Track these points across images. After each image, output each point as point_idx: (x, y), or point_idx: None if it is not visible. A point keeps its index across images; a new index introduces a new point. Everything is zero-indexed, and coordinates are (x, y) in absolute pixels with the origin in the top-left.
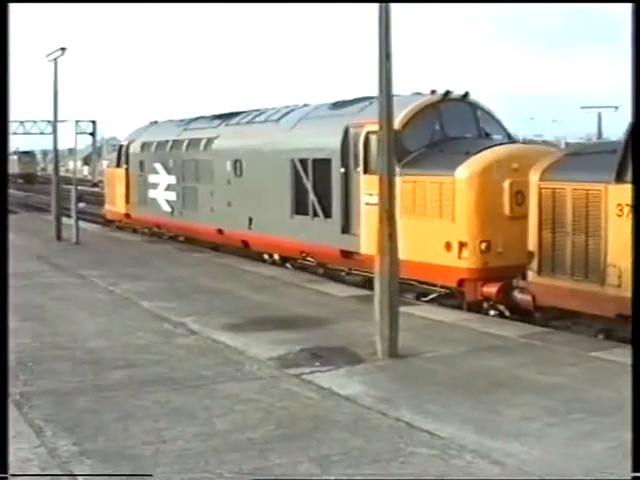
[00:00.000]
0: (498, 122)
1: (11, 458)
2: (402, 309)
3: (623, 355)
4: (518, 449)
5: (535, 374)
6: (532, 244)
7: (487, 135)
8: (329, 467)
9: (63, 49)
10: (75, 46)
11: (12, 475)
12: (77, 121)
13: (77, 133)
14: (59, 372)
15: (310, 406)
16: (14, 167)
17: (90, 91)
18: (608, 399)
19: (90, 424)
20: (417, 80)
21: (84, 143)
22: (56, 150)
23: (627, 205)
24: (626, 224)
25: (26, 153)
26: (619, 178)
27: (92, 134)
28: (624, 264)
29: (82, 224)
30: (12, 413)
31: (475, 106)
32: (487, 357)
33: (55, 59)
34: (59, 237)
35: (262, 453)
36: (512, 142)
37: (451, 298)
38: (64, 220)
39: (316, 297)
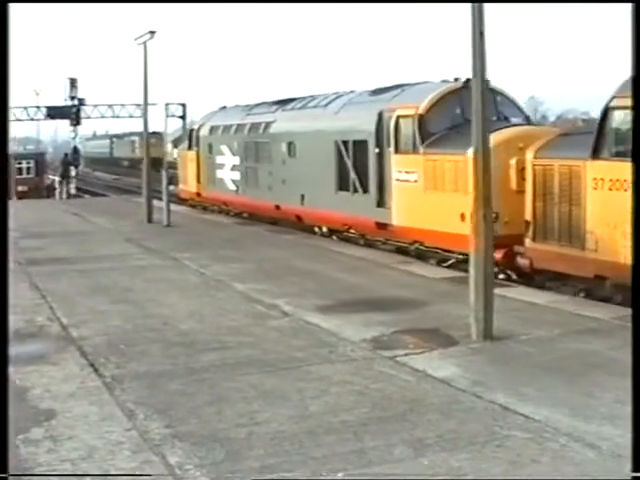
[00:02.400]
0: (517, 106)
1: (101, 442)
2: (495, 291)
3: None
4: (613, 432)
5: (630, 357)
6: (528, 214)
7: (506, 118)
8: (423, 450)
9: (152, 32)
10: (164, 30)
11: (12, 475)
12: (167, 104)
13: (167, 116)
14: (151, 354)
15: (404, 388)
16: (132, 150)
17: (180, 75)
18: None
19: (182, 407)
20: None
21: (174, 127)
22: (146, 133)
23: (602, 179)
24: (600, 196)
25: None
26: (595, 155)
27: (182, 117)
28: (600, 231)
29: (172, 207)
30: (103, 396)
31: (495, 92)
32: (581, 339)
33: (144, 42)
34: (150, 220)
35: (356, 435)
36: (521, 125)
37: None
38: (155, 203)
39: (408, 278)
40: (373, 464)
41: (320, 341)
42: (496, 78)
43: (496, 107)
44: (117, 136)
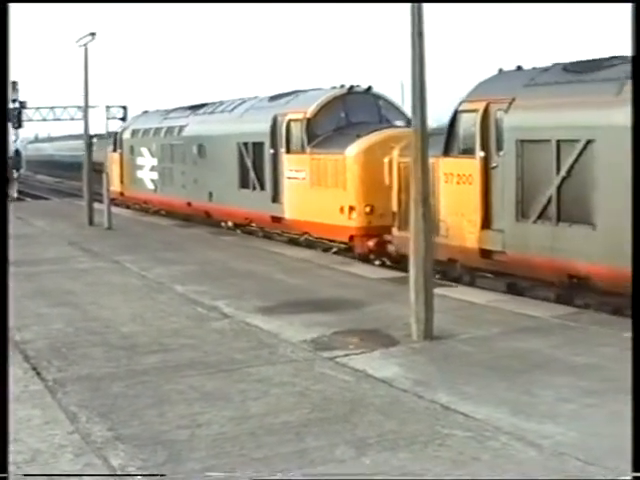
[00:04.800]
0: (399, 110)
1: (45, 445)
2: (436, 291)
3: None
4: (554, 430)
5: (570, 355)
6: (394, 206)
7: (388, 121)
8: (365, 450)
9: (93, 34)
10: (106, 32)
11: (12, 475)
12: (108, 107)
13: (108, 118)
14: (93, 357)
15: (345, 389)
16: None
17: (121, 77)
18: None
19: (125, 409)
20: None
21: (116, 129)
22: (87, 136)
23: (451, 174)
24: (450, 188)
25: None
26: (446, 153)
27: (123, 119)
28: (450, 220)
29: (114, 209)
30: (46, 399)
31: (377, 97)
32: (521, 338)
33: (85, 45)
34: (91, 222)
35: (298, 436)
36: (397, 127)
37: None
38: (96, 205)
39: (347, 279)
40: (315, 464)
41: (261, 342)
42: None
43: (379, 111)
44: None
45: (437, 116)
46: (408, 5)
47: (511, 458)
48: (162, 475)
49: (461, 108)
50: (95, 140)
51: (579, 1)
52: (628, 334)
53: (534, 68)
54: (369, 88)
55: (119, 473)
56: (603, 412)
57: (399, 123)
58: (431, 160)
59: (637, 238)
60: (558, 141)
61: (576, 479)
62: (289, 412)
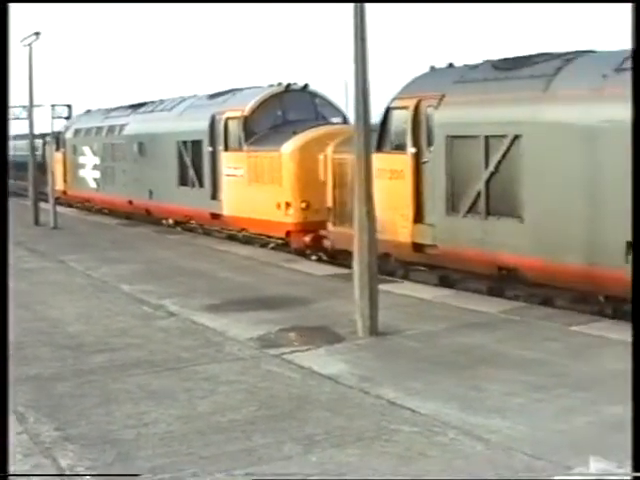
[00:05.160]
0: (336, 107)
1: None
2: (381, 287)
3: (603, 329)
4: (502, 425)
5: (517, 349)
6: (329, 201)
7: (324, 118)
8: (312, 447)
9: (37, 34)
10: (51, 31)
11: (13, 475)
12: (53, 105)
13: (53, 118)
14: (40, 357)
15: (292, 386)
16: None
17: (66, 76)
18: (589, 373)
19: (72, 409)
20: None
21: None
22: (31, 135)
23: (384, 170)
24: (383, 184)
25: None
26: (378, 149)
27: (67, 118)
28: (384, 215)
29: (59, 209)
30: None
31: (314, 95)
32: (468, 334)
33: (30, 44)
34: (37, 222)
35: (245, 434)
36: (330, 124)
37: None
38: (42, 205)
39: (293, 276)
40: (262, 462)
41: (207, 341)
42: None
43: (315, 108)
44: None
45: (380, 113)
46: (351, 5)
47: (459, 453)
48: (162, 475)
49: (393, 105)
50: (49, 139)
51: (580, 0)
52: (575, 327)
53: (465, 65)
54: (305, 86)
55: (119, 473)
56: (551, 407)
57: (335, 120)
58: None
59: (637, 239)
60: (486, 137)
61: (576, 478)
62: (236, 410)
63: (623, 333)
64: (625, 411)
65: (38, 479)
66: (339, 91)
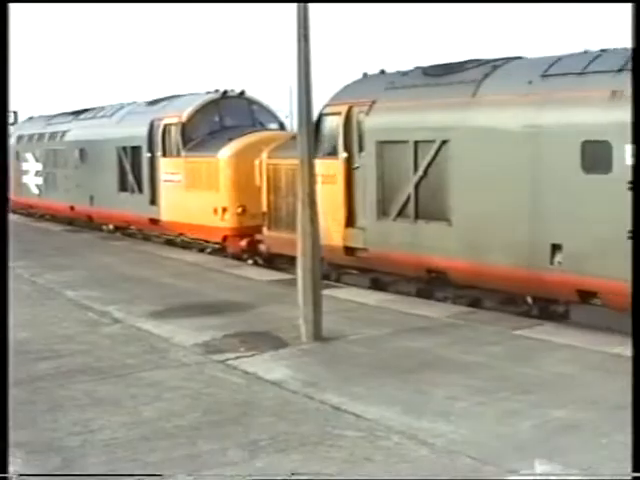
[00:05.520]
0: (272, 113)
1: None
2: (325, 292)
3: (547, 333)
4: (445, 429)
5: (460, 354)
6: (264, 206)
7: (261, 124)
8: (257, 452)
9: None
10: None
11: (13, 475)
12: None
13: None
14: None
15: (236, 392)
16: None
17: (12, 82)
18: (532, 377)
19: (19, 416)
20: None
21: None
22: None
23: (321, 175)
24: (320, 189)
25: None
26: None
27: (13, 124)
28: (322, 219)
29: None
30: None
31: (251, 101)
32: (412, 338)
33: None
34: None
35: (190, 440)
36: (267, 130)
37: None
38: None
39: (237, 282)
40: (208, 467)
41: (152, 347)
42: None
43: (252, 114)
44: None
45: None
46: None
47: (403, 457)
48: (162, 475)
49: (325, 111)
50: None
51: (580, 0)
52: (519, 331)
53: (397, 72)
54: (242, 92)
55: (119, 473)
56: (494, 410)
57: (272, 126)
58: (296, 162)
59: (637, 241)
60: (416, 142)
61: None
62: (181, 416)
63: (567, 337)
64: (569, 414)
65: (38, 479)
66: (285, 97)
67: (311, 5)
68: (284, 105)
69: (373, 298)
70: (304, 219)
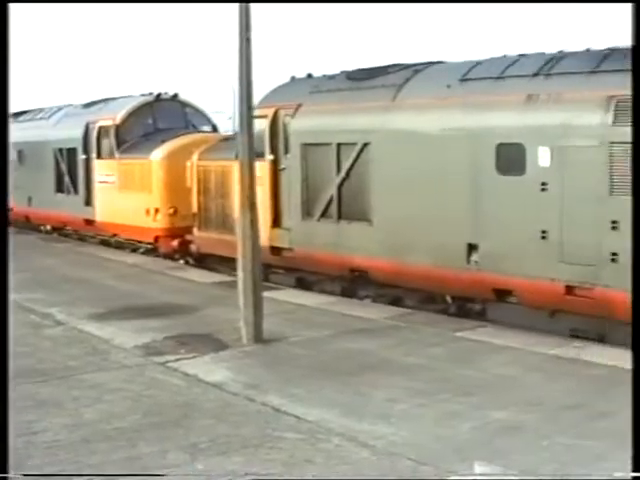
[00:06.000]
0: (205, 116)
1: None
2: (266, 294)
3: (488, 335)
4: (386, 431)
5: (401, 355)
6: (195, 207)
7: (194, 126)
8: (198, 455)
9: None
10: None
11: (12, 475)
12: None
13: None
14: None
15: (177, 394)
16: None
17: None
18: (473, 378)
19: None
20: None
21: None
22: None
23: None
24: None
25: None
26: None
27: None
28: None
29: None
30: None
31: (184, 104)
32: (352, 340)
33: None
34: None
35: (130, 442)
36: (199, 132)
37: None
38: None
39: (179, 284)
40: (148, 470)
41: (94, 349)
42: None
43: (185, 117)
44: None
45: None
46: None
47: (344, 459)
48: (161, 475)
49: (254, 114)
50: None
51: (580, 0)
52: (460, 333)
53: (323, 75)
54: (175, 95)
55: (118, 473)
56: (434, 412)
57: (205, 128)
58: (226, 163)
59: (637, 241)
60: (338, 144)
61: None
62: (122, 418)
63: (508, 339)
64: (509, 416)
65: (38, 479)
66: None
67: (255, 6)
68: (228, 107)
69: (313, 300)
70: (244, 222)
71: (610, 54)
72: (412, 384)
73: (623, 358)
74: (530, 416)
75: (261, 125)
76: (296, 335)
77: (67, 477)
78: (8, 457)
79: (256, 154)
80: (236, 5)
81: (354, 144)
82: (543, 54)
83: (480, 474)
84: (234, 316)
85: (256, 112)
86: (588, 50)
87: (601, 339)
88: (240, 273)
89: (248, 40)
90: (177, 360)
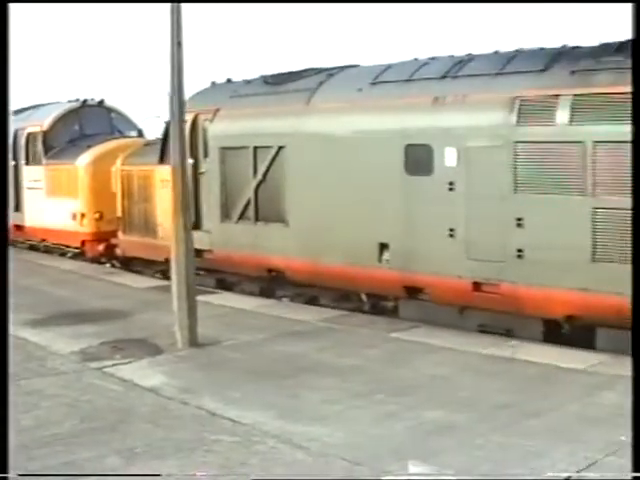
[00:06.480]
0: (131, 121)
1: None
2: (200, 298)
3: (421, 335)
4: (321, 432)
5: (336, 357)
6: (119, 211)
7: (120, 132)
8: (134, 459)
9: None
10: None
11: (12, 475)
12: None
13: None
14: None
15: (113, 399)
16: None
17: None
18: (408, 379)
19: None
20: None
21: None
22: None
23: (166, 180)
24: (166, 194)
25: None
26: (161, 161)
27: None
28: (166, 223)
29: None
30: None
31: (110, 110)
32: (288, 343)
33: None
34: None
35: (68, 447)
36: (125, 137)
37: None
38: None
39: (114, 289)
40: (85, 475)
41: (30, 355)
42: None
43: (111, 122)
44: None
45: None
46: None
47: (279, 461)
48: (161, 475)
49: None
50: None
51: (580, 0)
52: (395, 334)
53: (242, 80)
54: (101, 101)
55: (118, 473)
56: (369, 413)
57: (131, 133)
58: (148, 168)
59: (637, 242)
60: (255, 148)
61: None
62: (59, 424)
63: (442, 339)
64: (444, 415)
65: (38, 479)
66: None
67: (189, 10)
68: (165, 111)
69: (248, 303)
70: (177, 226)
71: (516, 55)
72: (347, 385)
73: (558, 357)
74: (464, 415)
75: None
76: (231, 339)
77: (67, 477)
78: (8, 457)
79: None
80: (168, 8)
81: (270, 147)
82: (452, 57)
83: (414, 474)
84: (169, 320)
85: None
86: (496, 52)
87: (509, 334)
88: (174, 277)
89: (179, 44)
90: (113, 365)
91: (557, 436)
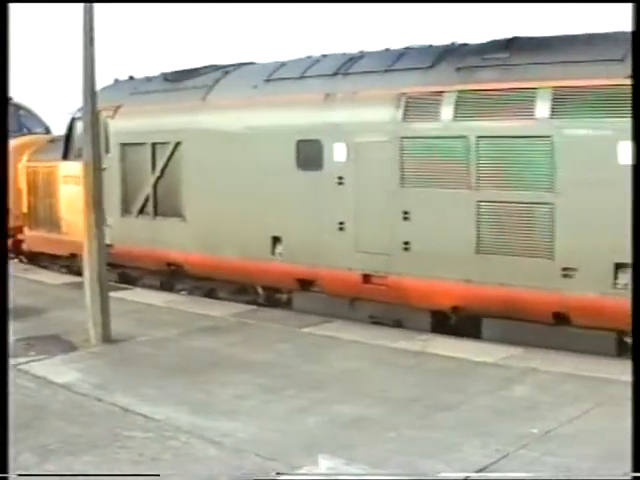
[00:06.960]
0: (39, 118)
1: None
2: (114, 294)
3: (334, 330)
4: (234, 427)
5: (248, 352)
6: (25, 207)
7: (28, 129)
8: (48, 456)
9: None
10: None
11: (12, 475)
12: None
13: None
14: None
15: (27, 396)
16: None
17: None
18: (320, 373)
19: None
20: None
21: None
22: None
23: (69, 176)
24: (69, 189)
25: None
26: (64, 157)
27: None
28: (70, 217)
29: None
30: None
31: (18, 107)
32: (200, 338)
33: None
34: None
35: None
36: (32, 134)
37: None
38: None
39: (30, 286)
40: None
41: None
42: None
43: (19, 119)
44: None
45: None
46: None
47: (192, 456)
48: (158, 475)
49: (77, 116)
50: None
51: (580, 0)
52: (306, 329)
53: (144, 77)
54: (9, 98)
55: (118, 473)
56: (281, 408)
57: (38, 130)
58: (52, 164)
59: (637, 242)
60: (153, 144)
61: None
62: None
63: (354, 333)
64: (356, 409)
65: (38, 479)
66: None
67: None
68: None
69: (161, 299)
70: (89, 222)
71: (405, 53)
72: (259, 380)
73: (468, 350)
74: (376, 409)
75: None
76: (144, 335)
77: (67, 477)
78: (8, 457)
79: (79, 155)
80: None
81: (167, 143)
82: (344, 54)
83: (324, 467)
84: (84, 317)
85: (79, 114)
86: (387, 50)
87: (397, 324)
88: (86, 273)
89: (92, 40)
90: (28, 362)
91: (469, 429)
